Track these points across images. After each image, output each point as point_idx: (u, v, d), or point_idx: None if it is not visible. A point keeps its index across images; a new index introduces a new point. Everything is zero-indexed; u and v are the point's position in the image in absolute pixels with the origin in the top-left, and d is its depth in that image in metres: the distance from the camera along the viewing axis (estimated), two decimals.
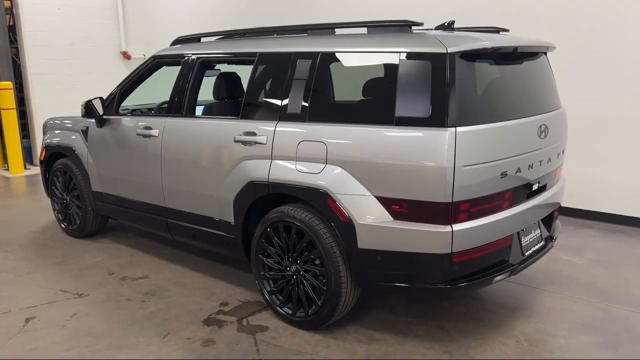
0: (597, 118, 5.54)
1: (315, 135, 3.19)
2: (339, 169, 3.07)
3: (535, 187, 3.29)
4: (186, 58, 4.11)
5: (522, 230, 3.31)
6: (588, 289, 4.05)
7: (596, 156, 5.63)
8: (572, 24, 5.58)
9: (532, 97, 3.37)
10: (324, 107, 3.29)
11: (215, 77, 4.31)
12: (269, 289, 3.56)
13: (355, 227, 3.01)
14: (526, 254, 3.34)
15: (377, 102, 3.08)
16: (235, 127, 3.61)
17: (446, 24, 3.20)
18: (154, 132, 4.13)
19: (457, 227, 2.82)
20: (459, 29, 3.38)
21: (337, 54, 3.27)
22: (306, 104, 3.28)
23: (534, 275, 4.25)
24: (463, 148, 2.74)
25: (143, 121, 4.29)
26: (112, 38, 9.88)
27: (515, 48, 3.10)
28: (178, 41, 4.45)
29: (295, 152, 3.25)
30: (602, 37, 5.43)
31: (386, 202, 2.94)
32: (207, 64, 4.09)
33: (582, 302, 3.81)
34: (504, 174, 2.94)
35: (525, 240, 3.34)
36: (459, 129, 2.74)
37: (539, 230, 3.52)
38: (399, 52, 2.97)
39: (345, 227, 3.05)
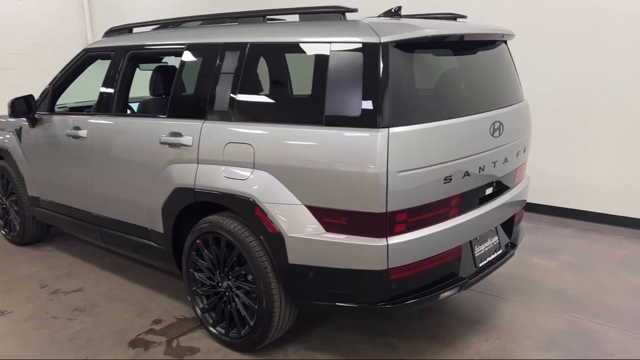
0: (575, 110, 5.21)
1: (242, 137, 2.85)
2: (267, 175, 2.73)
3: (489, 191, 2.96)
4: (116, 51, 3.75)
5: (476, 238, 2.98)
6: (557, 297, 3.73)
7: (573, 151, 5.32)
8: (540, 10, 5.24)
9: (486, 92, 3.03)
10: (252, 105, 2.94)
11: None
12: (201, 306, 3.23)
13: (284, 240, 2.68)
14: (480, 265, 3.01)
15: (307, 99, 2.74)
16: (161, 127, 3.27)
17: (393, 9, 2.85)
18: (82, 132, 3.78)
19: (393, 240, 2.48)
20: (409, 16, 3.03)
21: (265, 45, 2.92)
22: (233, 101, 2.93)
23: (499, 282, 3.93)
24: (397, 151, 2.40)
25: (73, 121, 3.93)
26: (77, 31, 9.46)
27: (462, 36, 2.74)
28: (111, 31, 4.08)
29: (222, 155, 2.91)
30: (577, 27, 5.09)
31: (317, 212, 2.60)
32: (137, 58, 3.72)
33: (548, 314, 3.49)
34: (448, 179, 2.60)
35: (480, 249, 3.01)
36: (392, 129, 2.40)
37: (496, 237, 3.19)
38: (328, 43, 2.63)
39: (274, 240, 2.72)
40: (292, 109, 2.78)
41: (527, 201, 5.69)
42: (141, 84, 4.06)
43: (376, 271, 2.51)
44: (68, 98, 4.54)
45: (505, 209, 3.19)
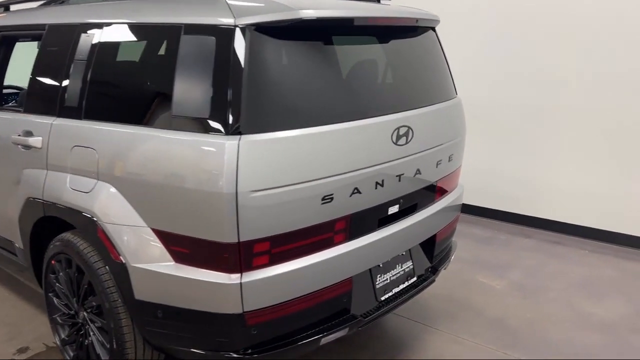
0: (543, 107, 4.67)
1: (87, 139, 2.33)
2: (111, 189, 2.21)
3: (393, 209, 2.43)
4: None
5: (378, 266, 2.46)
6: (493, 327, 3.22)
7: (539, 152, 4.79)
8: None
9: (392, 90, 2.50)
10: (100, 100, 2.41)
11: None
12: (62, 336, 2.73)
13: (128, 271, 2.15)
14: (384, 297, 2.49)
15: (155, 95, 2.20)
16: (15, 123, 2.75)
17: None
18: None
19: (250, 276, 1.96)
20: None
21: (118, 27, 2.38)
22: (83, 95, 2.40)
23: (433, 306, 3.43)
24: (252, 165, 1.88)
25: None
26: None
27: (351, 20, 2.19)
28: None
29: (68, 161, 2.39)
30: (550, 15, 4.54)
31: (164, 238, 2.08)
32: (6, 40, 3.18)
33: (477, 350, 2.99)
34: (327, 198, 2.07)
35: (383, 279, 2.50)
36: (246, 137, 1.88)
37: (410, 263, 2.67)
38: (179, 25, 2.09)
39: (118, 270, 2.21)
40: (139, 106, 2.25)
41: (487, 207, 5.22)
42: None
43: (229, 315, 1.99)
44: None
45: (423, 229, 2.67)
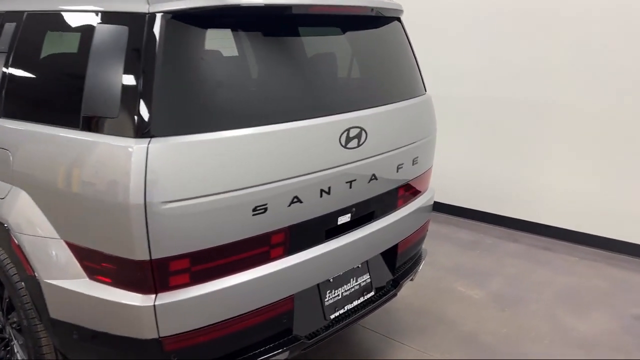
0: (535, 104, 4.40)
1: (1, 139, 2.10)
2: (24, 195, 1.99)
3: (344, 219, 2.19)
4: None
5: (328, 281, 2.23)
6: (466, 343, 2.98)
7: (529, 152, 4.52)
8: None
9: (343, 86, 2.27)
10: (16, 95, 2.18)
11: None
12: None
13: (41, 286, 1.93)
14: (334, 315, 2.26)
15: (69, 91, 1.97)
16: None
17: None
18: None
19: (166, 298, 1.74)
20: None
21: (42, 16, 2.16)
22: (2, 89, 2.18)
23: (403, 319, 3.22)
24: (164, 172, 1.65)
25: None
26: None
27: (287, 8, 1.95)
28: None
29: None
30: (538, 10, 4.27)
31: (77, 252, 1.86)
32: None
33: None
34: (260, 209, 1.84)
35: (333, 296, 2.26)
36: (157, 140, 1.65)
37: (367, 276, 2.43)
38: (97, 13, 1.85)
39: (32, 285, 2.00)
40: (53, 104, 2.03)
41: (474, 209, 4.96)
42: None
43: (144, 340, 1.77)
44: None
45: (382, 239, 2.44)
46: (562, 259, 4.14)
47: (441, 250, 4.25)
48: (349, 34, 2.35)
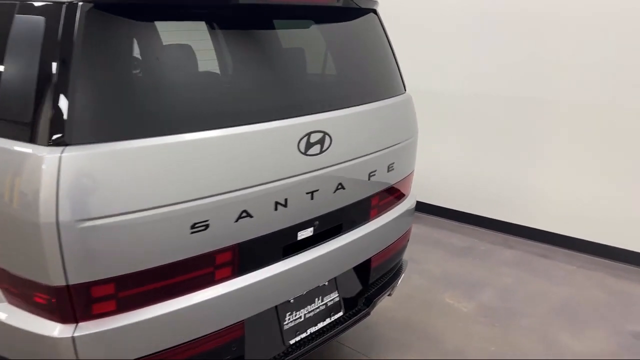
0: (533, 101, 4.16)
1: None
2: None
3: (306, 234, 1.96)
4: None
5: (288, 302, 2.01)
6: None
7: (527, 152, 4.27)
8: None
9: (305, 86, 2.04)
10: None
11: None
12: None
13: None
14: (294, 340, 2.04)
15: None
16: None
17: None
18: None
19: (88, 328, 1.52)
20: None
21: None
22: None
23: (383, 334, 3.00)
24: (81, 186, 1.43)
25: None
26: None
27: None
28: None
29: None
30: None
31: None
32: None
33: None
34: (200, 226, 1.61)
35: (294, 318, 2.04)
36: (72, 148, 1.42)
37: (335, 294, 2.21)
38: (15, 3, 1.63)
39: None
40: None
41: (470, 212, 4.71)
42: None
43: None
44: None
45: (352, 253, 2.21)
46: (560, 267, 3.90)
47: (431, 256, 4.01)
48: (314, 26, 2.12)
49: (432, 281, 3.63)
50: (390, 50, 2.43)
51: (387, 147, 2.28)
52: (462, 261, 3.98)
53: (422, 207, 4.94)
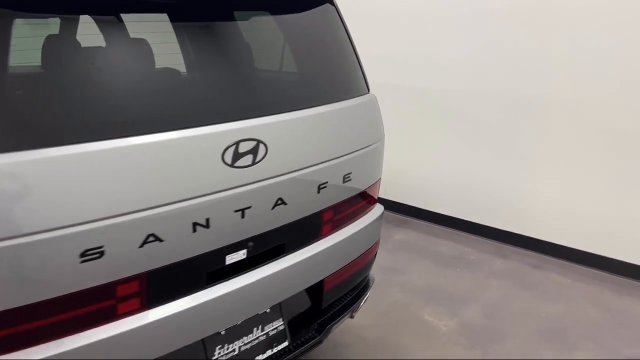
0: (527, 103, 3.86)
1: None
2: None
3: (235, 258, 1.70)
4: None
5: (220, 333, 1.75)
6: None
7: (523, 154, 3.98)
8: None
9: (233, 87, 1.77)
10: None
11: None
12: None
13: None
14: None
15: None
16: None
17: None
18: None
19: None
20: None
21: None
22: None
23: (353, 354, 2.72)
24: None
25: None
26: None
27: None
28: None
29: None
30: None
31: None
32: None
33: None
34: (92, 254, 1.36)
35: (226, 352, 1.80)
36: None
37: (280, 322, 1.95)
38: None
39: None
40: None
41: (462, 218, 4.42)
42: None
43: None
44: None
45: (300, 276, 1.95)
46: (553, 280, 3.61)
47: (415, 267, 3.75)
48: (254, 19, 1.85)
49: (413, 295, 3.36)
50: (350, 46, 2.16)
51: (343, 156, 2.01)
52: (448, 272, 3.71)
53: (412, 212, 4.66)
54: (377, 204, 2.42)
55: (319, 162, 1.90)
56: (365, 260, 2.35)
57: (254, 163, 1.66)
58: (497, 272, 3.72)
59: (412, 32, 4.25)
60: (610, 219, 3.61)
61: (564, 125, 3.70)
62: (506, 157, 4.03)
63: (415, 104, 4.41)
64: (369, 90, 2.24)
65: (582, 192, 3.70)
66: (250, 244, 1.75)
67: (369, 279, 2.51)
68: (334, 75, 2.08)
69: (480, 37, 3.92)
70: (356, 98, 2.12)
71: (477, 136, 4.15)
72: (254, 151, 1.66)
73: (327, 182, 1.96)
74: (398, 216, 4.73)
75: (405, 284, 3.51)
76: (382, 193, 4.86)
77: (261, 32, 1.99)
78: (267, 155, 1.70)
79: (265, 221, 1.77)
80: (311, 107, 1.88)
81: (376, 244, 2.45)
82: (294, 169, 1.80)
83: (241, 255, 1.74)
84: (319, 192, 1.93)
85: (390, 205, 4.82)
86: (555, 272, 3.72)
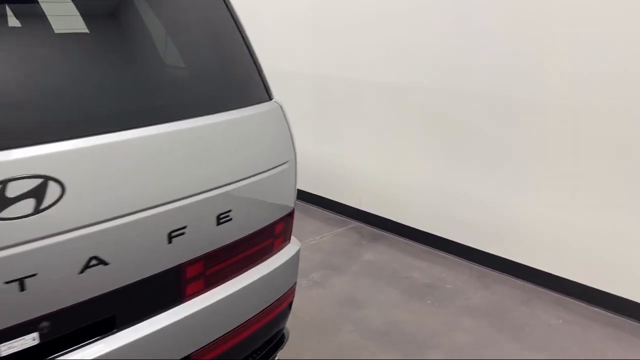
0: (519, 108, 3.26)
1: None
2: None
3: (18, 346, 1.18)
4: None
5: None
6: None
7: (511, 171, 3.39)
8: None
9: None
10: None
11: None
12: None
13: None
14: None
15: None
16: None
17: None
18: None
19: None
20: None
21: None
22: None
23: None
24: None
25: None
26: None
27: None
28: None
29: None
30: None
31: None
32: None
33: None
34: None
35: None
36: None
37: None
38: None
39: None
40: None
41: (442, 236, 3.80)
42: None
43: None
44: None
45: (144, 356, 1.40)
46: (540, 320, 3.01)
47: (378, 298, 3.19)
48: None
49: (367, 336, 2.81)
50: (243, 42, 1.59)
51: (214, 189, 1.45)
52: (416, 306, 3.14)
53: (388, 226, 4.10)
54: (290, 242, 1.86)
55: (166, 201, 1.34)
56: (268, 317, 1.80)
57: (37, 211, 1.12)
58: (473, 308, 3.13)
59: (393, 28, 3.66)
60: (616, 245, 2.99)
61: (562, 135, 3.09)
62: (493, 168, 3.43)
63: (388, 103, 3.83)
64: (270, 97, 1.67)
65: (582, 213, 3.10)
66: (44, 324, 1.20)
67: (283, 334, 1.96)
68: (221, 78, 1.52)
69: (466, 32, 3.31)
70: (245, 108, 1.56)
71: (460, 146, 3.56)
72: (37, 193, 1.12)
73: (185, 228, 1.40)
74: (373, 230, 4.17)
75: (361, 321, 2.95)
76: (357, 204, 4.31)
77: (102, 26, 1.43)
78: (64, 197, 1.15)
79: (70, 290, 1.22)
80: (158, 123, 1.32)
81: (290, 292, 1.90)
82: (114, 216, 1.24)
83: (28, 342, 1.19)
84: (170, 241, 1.38)
85: (365, 218, 4.26)
86: (544, 309, 3.13)
